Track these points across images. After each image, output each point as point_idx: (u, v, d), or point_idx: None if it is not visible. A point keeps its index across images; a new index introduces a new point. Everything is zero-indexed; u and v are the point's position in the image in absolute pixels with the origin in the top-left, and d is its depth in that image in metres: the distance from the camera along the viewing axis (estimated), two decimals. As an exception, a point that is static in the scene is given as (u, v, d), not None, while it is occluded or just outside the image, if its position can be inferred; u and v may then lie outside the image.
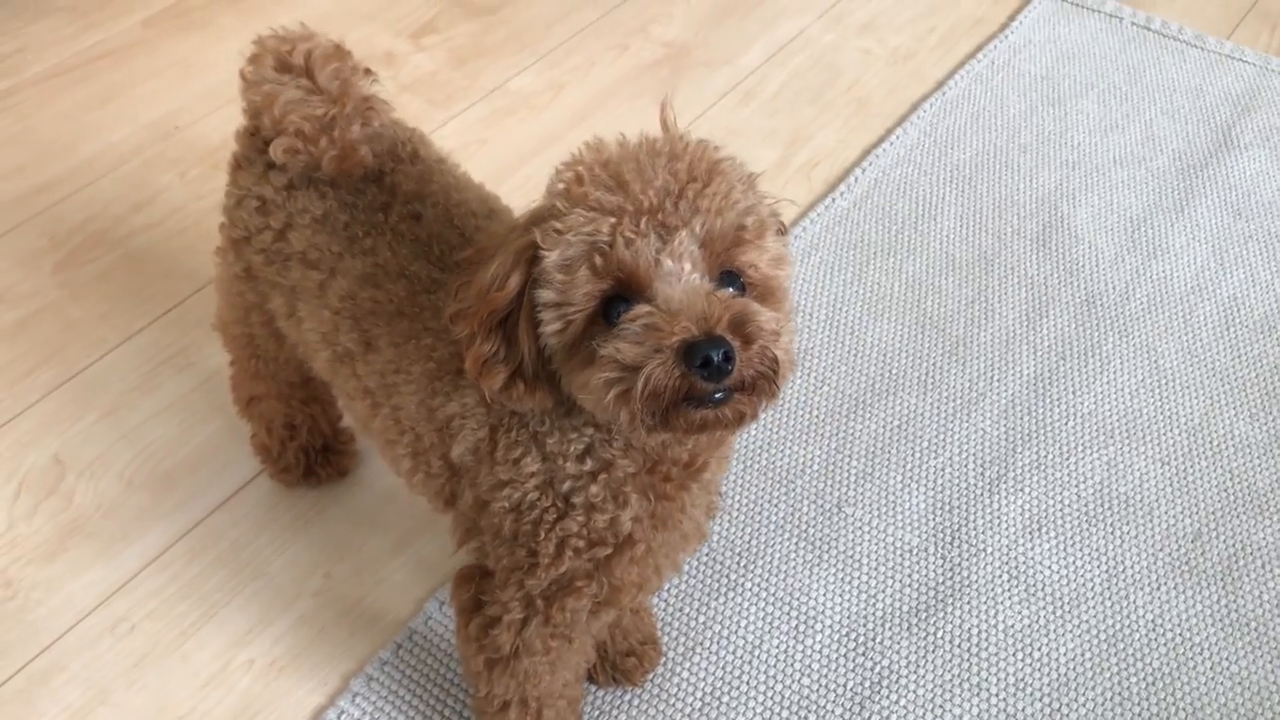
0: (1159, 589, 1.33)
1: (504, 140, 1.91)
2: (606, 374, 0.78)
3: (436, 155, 1.10)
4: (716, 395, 0.78)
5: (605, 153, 0.83)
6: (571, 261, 0.79)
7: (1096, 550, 1.36)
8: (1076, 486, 1.42)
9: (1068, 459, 1.45)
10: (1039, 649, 1.27)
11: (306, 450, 1.36)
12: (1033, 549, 1.36)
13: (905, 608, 1.30)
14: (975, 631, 1.28)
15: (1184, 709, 1.23)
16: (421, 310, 0.98)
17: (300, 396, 1.31)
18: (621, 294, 0.79)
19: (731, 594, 1.31)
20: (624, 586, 0.96)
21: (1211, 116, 1.96)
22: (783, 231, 0.89)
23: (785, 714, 1.22)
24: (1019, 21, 2.13)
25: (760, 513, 1.39)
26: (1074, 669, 1.26)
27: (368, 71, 1.06)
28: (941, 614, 1.30)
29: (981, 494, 1.41)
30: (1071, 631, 1.29)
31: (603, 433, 0.90)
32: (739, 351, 0.76)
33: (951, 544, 1.36)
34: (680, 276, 0.78)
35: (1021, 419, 1.49)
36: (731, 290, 0.80)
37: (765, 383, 0.79)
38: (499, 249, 0.85)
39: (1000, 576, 1.33)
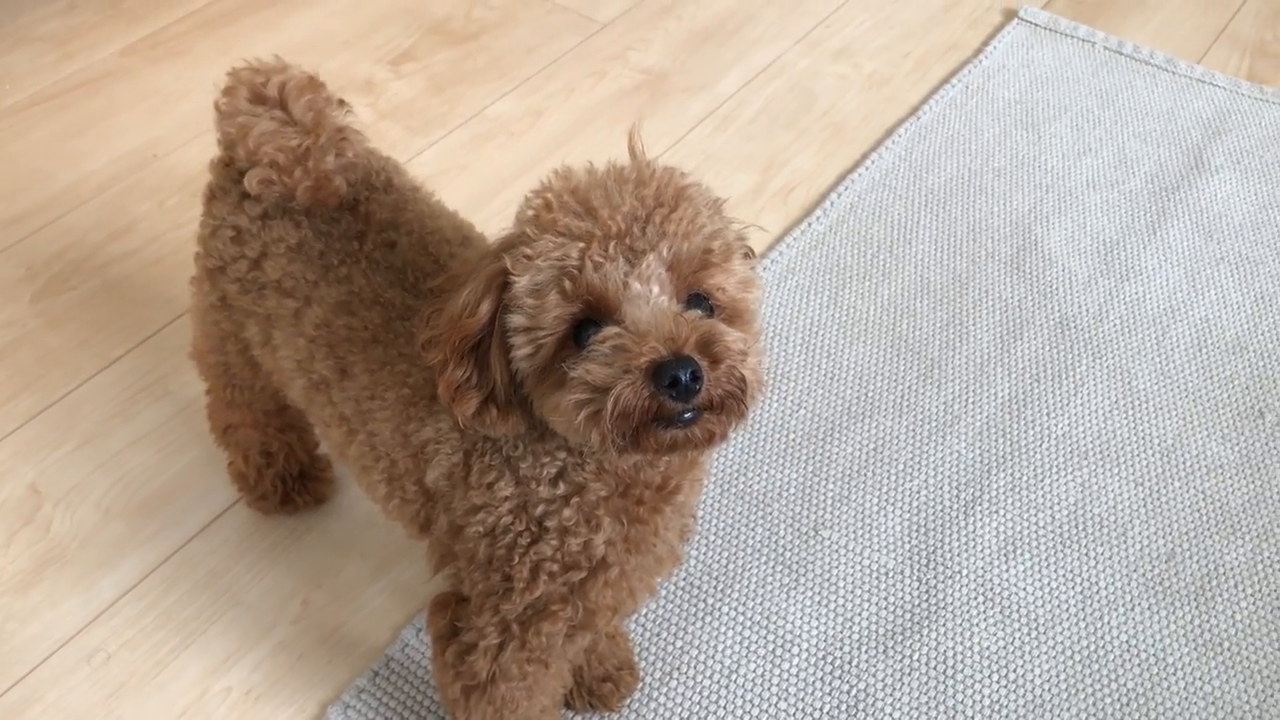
0: (1133, 610, 1.34)
1: (483, 166, 1.92)
2: (577, 395, 0.79)
3: (411, 184, 1.11)
4: (685, 415, 0.79)
5: (574, 180, 0.84)
6: (541, 286, 0.81)
7: (1071, 571, 1.37)
8: (1051, 508, 1.43)
9: (1042, 481, 1.46)
10: (1014, 671, 1.28)
11: (284, 478, 1.36)
12: (1008, 571, 1.37)
13: (881, 630, 1.31)
14: (951, 654, 1.29)
15: (1159, 729, 1.24)
16: (396, 337, 0.99)
17: (277, 424, 1.31)
18: (591, 317, 0.81)
19: (708, 618, 1.31)
20: (599, 610, 0.96)
21: (1183, 139, 1.98)
22: (750, 255, 0.90)
23: (762, 738, 1.23)
24: (993, 47, 2.16)
25: (737, 536, 1.39)
26: (1049, 691, 1.27)
27: (341, 102, 1.07)
28: (917, 637, 1.30)
29: (957, 516, 1.42)
30: (1046, 653, 1.29)
31: (575, 456, 0.91)
32: (707, 371, 0.77)
33: (927, 566, 1.37)
34: (648, 299, 0.79)
35: (996, 441, 1.50)
36: (699, 312, 0.81)
37: (734, 402, 0.80)
38: (470, 276, 0.86)
39: (975, 599, 1.34)
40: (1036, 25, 2.22)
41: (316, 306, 1.02)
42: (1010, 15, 2.25)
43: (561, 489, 0.91)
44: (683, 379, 0.76)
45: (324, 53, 2.11)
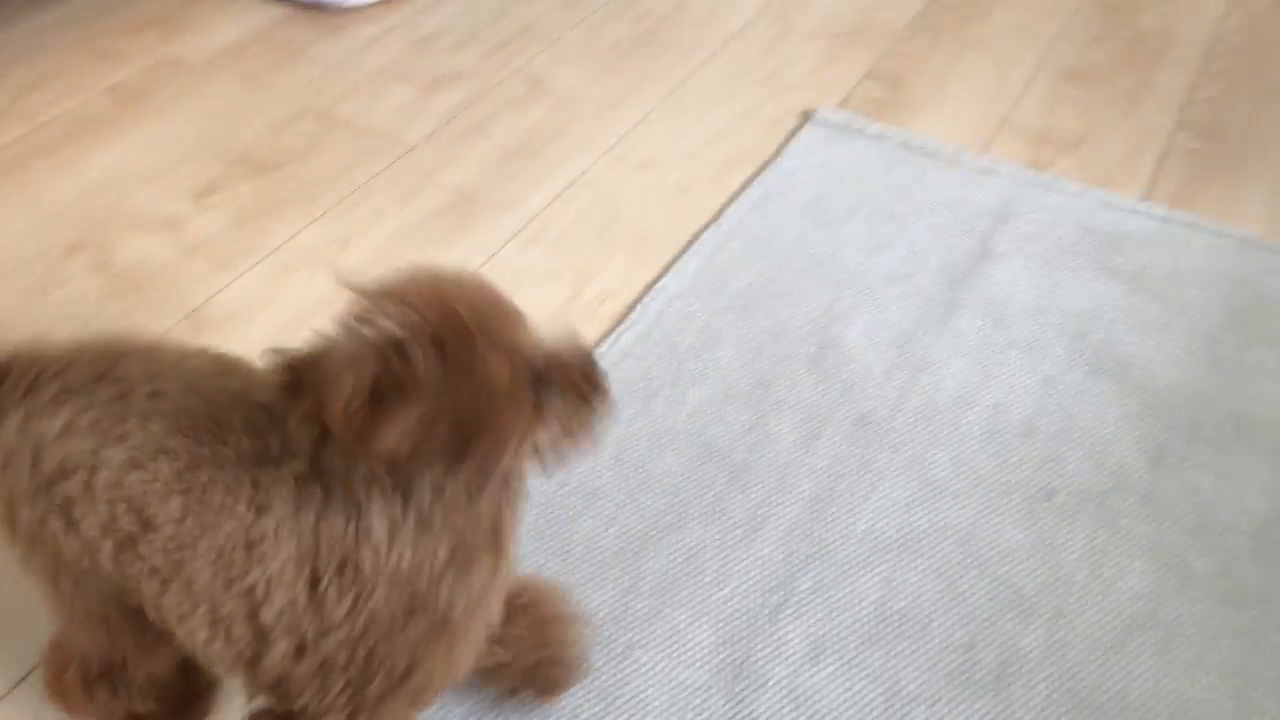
0: (936, 704, 1.37)
1: (291, 297, 1.91)
2: None
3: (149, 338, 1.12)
4: None
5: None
6: None
7: (875, 670, 1.40)
8: (855, 607, 1.47)
9: (846, 579, 1.50)
10: (821, 779, 1.30)
11: None
12: (814, 676, 1.39)
13: (692, 750, 1.32)
14: (761, 767, 1.30)
15: (964, 823, 1.27)
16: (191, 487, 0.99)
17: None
18: None
19: (520, 754, 1.30)
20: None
21: (971, 228, 2.08)
22: None
23: None
24: (790, 149, 2.24)
25: (549, 664, 1.39)
26: (858, 794, 1.29)
27: None
28: (727, 753, 1.31)
29: (764, 623, 1.44)
30: (853, 757, 1.32)
31: None
32: None
33: (736, 678, 1.38)
34: None
35: (801, 543, 1.54)
36: None
37: None
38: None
39: (784, 709, 1.35)
40: (831, 125, 2.31)
41: (104, 471, 1.02)
42: (806, 116, 2.34)
43: None
44: None
45: (125, 190, 2.08)
